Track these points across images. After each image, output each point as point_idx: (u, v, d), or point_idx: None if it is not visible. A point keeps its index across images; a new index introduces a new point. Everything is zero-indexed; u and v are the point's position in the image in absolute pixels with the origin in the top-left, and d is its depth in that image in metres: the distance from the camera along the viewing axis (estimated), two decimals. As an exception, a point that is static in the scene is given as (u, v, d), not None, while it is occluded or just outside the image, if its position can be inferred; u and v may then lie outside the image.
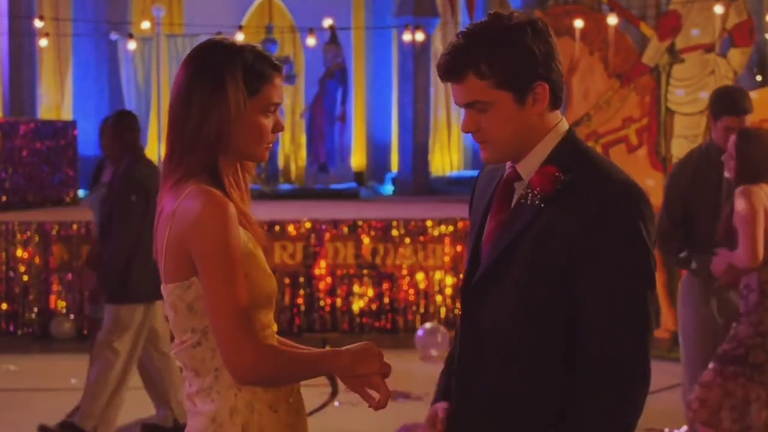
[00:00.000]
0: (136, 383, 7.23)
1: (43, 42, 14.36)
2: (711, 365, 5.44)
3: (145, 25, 14.50)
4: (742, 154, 5.42)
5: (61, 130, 13.29)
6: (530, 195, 2.59)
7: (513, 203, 2.65)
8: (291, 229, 10.32)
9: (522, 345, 2.60)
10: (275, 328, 2.78)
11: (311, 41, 14.48)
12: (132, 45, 14.30)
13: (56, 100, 16.13)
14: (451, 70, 2.60)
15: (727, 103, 5.91)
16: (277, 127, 2.71)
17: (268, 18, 16.95)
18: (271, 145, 2.71)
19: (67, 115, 15.96)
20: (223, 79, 2.61)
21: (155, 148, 15.97)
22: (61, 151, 13.06)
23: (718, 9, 9.28)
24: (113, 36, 15.28)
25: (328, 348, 3.75)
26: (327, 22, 14.49)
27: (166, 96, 15.79)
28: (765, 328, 5.38)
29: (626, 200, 2.55)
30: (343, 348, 2.69)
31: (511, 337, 2.60)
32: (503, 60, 2.57)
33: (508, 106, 2.58)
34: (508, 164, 2.68)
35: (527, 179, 2.62)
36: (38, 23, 13.78)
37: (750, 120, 9.00)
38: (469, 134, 2.62)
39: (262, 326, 2.67)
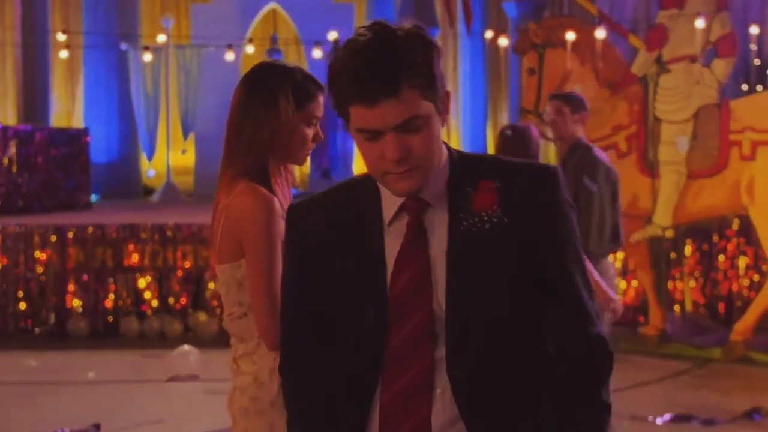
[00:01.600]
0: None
1: (63, 53, 14.76)
2: None
3: (161, 38, 14.83)
4: None
5: (75, 137, 13.66)
6: (484, 217, 2.27)
7: (446, 240, 2.28)
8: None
9: (520, 383, 2.34)
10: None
11: (317, 53, 14.75)
12: (146, 57, 14.64)
13: (68, 107, 16.48)
14: (385, 83, 2.18)
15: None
16: (317, 138, 3.21)
17: (273, 29, 17.19)
18: (309, 152, 3.21)
19: (78, 122, 16.28)
20: (276, 95, 3.11)
21: (164, 155, 16.32)
22: (74, 158, 13.43)
23: (700, 23, 9.67)
24: (123, 46, 15.55)
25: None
26: (332, 35, 14.81)
27: (175, 104, 16.16)
28: None
29: (553, 169, 2.34)
30: None
31: (507, 383, 2.32)
32: (424, 64, 2.23)
33: (435, 120, 2.26)
34: (395, 198, 2.29)
35: (438, 205, 2.29)
36: (61, 36, 14.16)
37: (737, 126, 9.48)
38: (407, 159, 2.19)
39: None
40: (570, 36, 10.07)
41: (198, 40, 15.70)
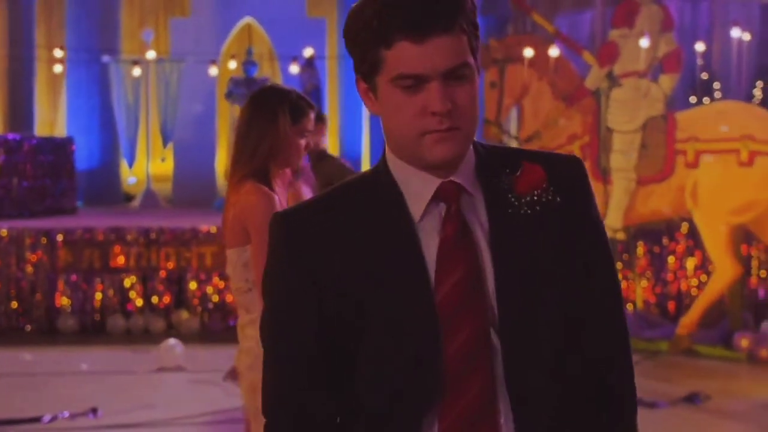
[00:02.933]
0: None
1: (57, 67, 15.40)
2: None
3: (150, 54, 15.43)
4: None
5: (60, 146, 14.31)
6: (534, 197, 2.01)
7: (487, 231, 2.00)
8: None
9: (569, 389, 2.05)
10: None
11: (294, 69, 15.44)
12: (135, 71, 15.27)
13: (51, 117, 17.09)
14: (442, 14, 1.90)
15: None
16: (308, 147, 3.95)
17: (248, 42, 17.73)
18: (302, 158, 3.96)
19: (60, 131, 16.89)
20: (275, 113, 3.85)
21: (143, 163, 16.94)
22: (60, 165, 14.09)
23: (644, 42, 10.41)
24: (105, 59, 16.16)
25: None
26: (307, 51, 15.49)
27: (154, 114, 16.78)
28: None
29: (579, 158, 2.14)
30: None
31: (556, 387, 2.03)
32: (472, 11, 1.99)
33: (475, 81, 1.99)
34: (426, 180, 1.99)
35: (475, 190, 2.01)
36: (58, 52, 14.72)
37: (682, 136, 10.22)
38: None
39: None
40: (528, 52, 10.79)
41: (177, 53, 16.27)
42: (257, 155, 3.85)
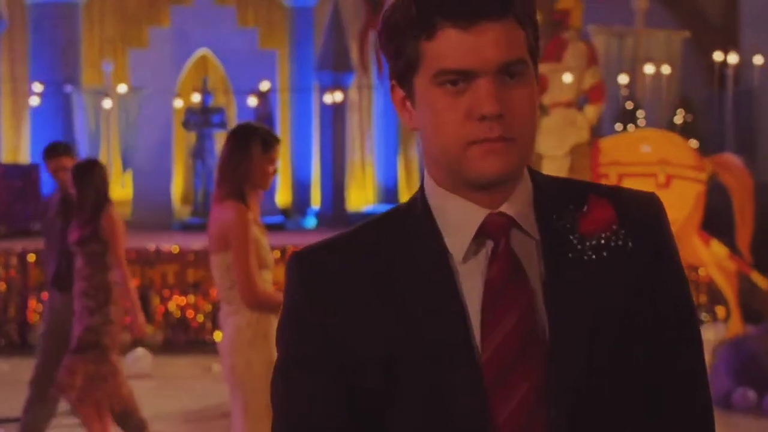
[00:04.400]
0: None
1: (34, 100, 16.21)
2: None
3: (122, 88, 16.25)
4: None
5: (27, 172, 15.20)
6: (600, 241, 1.68)
7: (540, 275, 1.67)
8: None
9: None
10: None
11: (252, 101, 16.33)
12: (95, 100, 16.11)
13: (15, 144, 17.85)
14: (495, 1, 1.61)
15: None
16: (275, 172, 4.87)
17: (203, 72, 18.57)
18: (271, 181, 4.88)
19: (24, 157, 17.66)
20: (249, 144, 4.77)
21: (105, 187, 17.73)
22: (28, 190, 14.93)
23: (567, 78, 11.43)
24: (67, 88, 16.94)
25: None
26: (263, 85, 16.41)
27: (115, 140, 17.60)
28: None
29: (657, 196, 1.79)
30: None
31: None
32: (533, 10, 1.69)
33: (535, 81, 1.67)
34: (478, 213, 1.67)
35: (529, 226, 1.69)
36: (7, 81, 15.43)
37: (605, 160, 11.22)
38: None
39: (264, 279, 4.82)
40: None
41: (136, 83, 17.03)
42: (235, 179, 4.77)
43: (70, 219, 6.98)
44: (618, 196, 1.74)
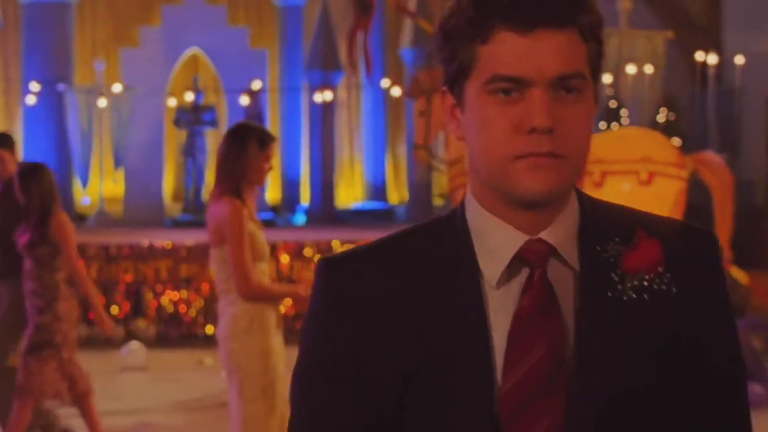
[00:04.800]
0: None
1: (30, 99, 16.43)
2: None
3: (117, 87, 16.47)
4: None
5: (21, 170, 15.43)
6: (643, 283, 1.57)
7: (573, 311, 1.58)
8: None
9: None
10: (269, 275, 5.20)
11: (244, 100, 16.56)
12: (87, 99, 16.34)
13: (8, 142, 18.03)
14: (557, 8, 1.53)
15: None
16: (270, 169, 5.12)
17: (194, 71, 18.79)
18: (266, 178, 5.12)
19: (17, 153, 17.85)
20: (246, 142, 5.02)
21: (97, 184, 17.93)
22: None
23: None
24: (60, 87, 17.15)
25: (291, 286, 6.20)
26: (255, 84, 16.65)
27: (107, 138, 17.81)
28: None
29: (714, 234, 1.68)
30: (299, 287, 5.12)
31: None
32: (599, 25, 1.59)
33: (592, 100, 1.58)
34: (513, 237, 1.58)
35: (570, 256, 1.59)
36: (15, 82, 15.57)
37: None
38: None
39: (260, 270, 5.07)
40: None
41: (127, 82, 17.21)
42: (232, 176, 5.02)
43: (7, 211, 7.10)
44: (671, 232, 1.63)
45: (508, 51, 1.53)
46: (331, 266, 1.65)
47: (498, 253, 1.58)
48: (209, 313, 12.36)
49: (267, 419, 4.98)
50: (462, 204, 1.65)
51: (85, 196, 18.30)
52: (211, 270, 5.28)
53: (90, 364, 10.99)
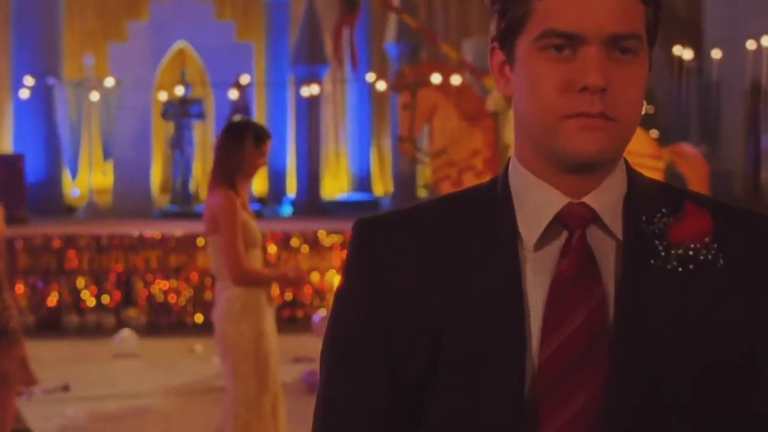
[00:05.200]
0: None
1: (24, 93, 16.68)
2: None
3: (109, 81, 16.75)
4: None
5: (12, 161, 15.70)
6: (688, 252, 1.51)
7: (614, 277, 1.52)
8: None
9: None
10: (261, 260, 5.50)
11: (233, 94, 16.84)
12: (93, 96, 16.64)
13: (-2, 133, 18.32)
14: None
15: None
16: (263, 164, 5.42)
17: (181, 64, 19.02)
18: (258, 172, 5.42)
19: (7, 146, 18.13)
20: (242, 138, 5.32)
21: (86, 176, 18.19)
22: (12, 179, 15.42)
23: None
24: (50, 81, 17.40)
25: (279, 270, 6.50)
26: (243, 78, 16.93)
27: (96, 131, 18.06)
28: None
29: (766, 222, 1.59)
30: (287, 269, 5.43)
31: None
32: None
33: (645, 67, 1.52)
34: (548, 200, 1.53)
35: (613, 223, 1.53)
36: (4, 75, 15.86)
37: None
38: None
39: (254, 256, 5.37)
40: (436, 78, 12.34)
41: (116, 76, 17.50)
42: (227, 169, 5.32)
43: None
44: (725, 210, 1.56)
45: (563, 5, 1.47)
46: (366, 229, 1.61)
47: (537, 215, 1.53)
48: (198, 302, 12.67)
49: (260, 396, 5.28)
50: (505, 169, 1.60)
51: (74, 188, 18.54)
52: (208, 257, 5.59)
53: (83, 351, 11.33)
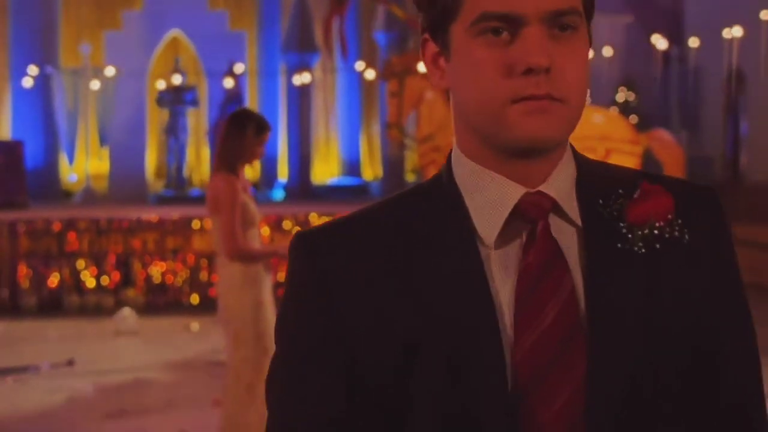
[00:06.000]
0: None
1: (27, 81, 17.12)
2: None
3: (110, 71, 17.13)
4: None
5: (12, 148, 16.21)
6: (653, 231, 1.46)
7: (580, 267, 1.46)
8: (207, 223, 13.20)
9: None
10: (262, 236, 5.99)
11: (228, 83, 17.28)
12: (93, 84, 17.06)
13: (-3, 120, 18.75)
14: None
15: None
16: (263, 152, 5.91)
17: (175, 53, 19.42)
18: (259, 159, 5.91)
19: (5, 133, 18.56)
20: (244, 126, 5.80)
21: (83, 162, 18.64)
22: (12, 165, 15.90)
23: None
24: (48, 69, 17.81)
25: (272, 246, 7.01)
26: (237, 67, 17.39)
27: (92, 118, 18.51)
28: None
29: (714, 189, 1.57)
30: (279, 247, 5.93)
31: None
32: None
33: (587, 43, 1.47)
34: (517, 192, 1.46)
35: (571, 210, 1.48)
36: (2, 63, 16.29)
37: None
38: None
39: (252, 235, 5.87)
40: (422, 67, 12.73)
41: (111, 63, 17.87)
42: (229, 155, 5.82)
43: None
44: (671, 184, 1.52)
45: None
46: (308, 242, 1.50)
47: (494, 209, 1.45)
48: (194, 283, 13.17)
49: (260, 359, 5.78)
50: (447, 163, 1.51)
51: (71, 174, 19.00)
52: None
53: (85, 330, 11.83)
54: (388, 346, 1.44)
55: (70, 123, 18.05)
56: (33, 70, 17.26)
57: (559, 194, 1.47)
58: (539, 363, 1.41)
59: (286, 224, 13.49)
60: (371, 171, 20.48)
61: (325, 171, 20.28)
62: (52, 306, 13.08)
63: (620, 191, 1.49)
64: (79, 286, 13.21)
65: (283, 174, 19.38)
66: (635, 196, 1.48)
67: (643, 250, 1.45)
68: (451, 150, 1.53)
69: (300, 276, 1.50)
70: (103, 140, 18.28)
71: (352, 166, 20.41)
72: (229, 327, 5.89)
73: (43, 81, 17.64)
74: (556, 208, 1.47)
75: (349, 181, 19.92)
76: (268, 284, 5.92)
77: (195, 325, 11.77)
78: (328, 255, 1.48)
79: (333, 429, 1.46)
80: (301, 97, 18.51)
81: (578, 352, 1.42)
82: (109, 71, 17.61)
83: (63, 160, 18.58)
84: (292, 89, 18.57)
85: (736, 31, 14.36)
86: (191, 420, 7.81)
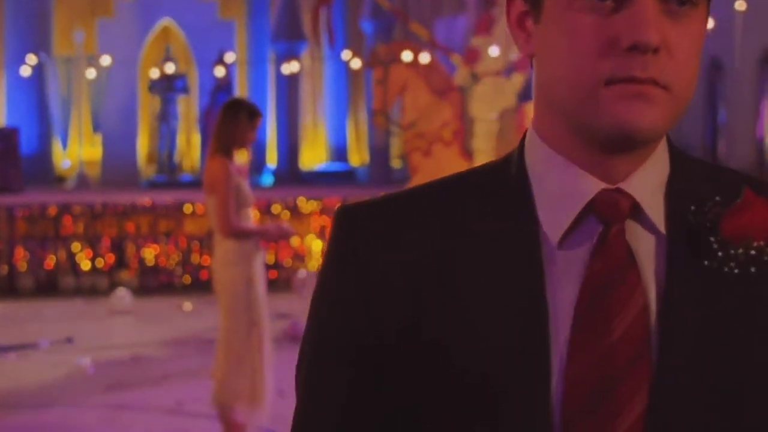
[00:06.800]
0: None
1: (26, 70, 17.50)
2: None
3: (104, 60, 17.53)
4: None
5: (8, 135, 16.63)
6: (750, 251, 1.22)
7: (655, 281, 1.23)
8: (199, 207, 13.60)
9: None
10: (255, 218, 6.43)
11: (219, 71, 17.68)
12: (89, 72, 17.43)
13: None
14: None
15: None
16: (254, 137, 6.35)
17: (166, 41, 19.82)
18: (252, 143, 6.35)
19: (0, 120, 18.94)
20: (237, 113, 6.25)
21: (76, 148, 19.05)
22: (8, 151, 16.32)
23: (494, 50, 12.89)
24: (42, 57, 18.19)
25: (263, 226, 7.46)
26: (228, 56, 17.79)
27: (86, 105, 18.91)
28: None
29: None
30: (274, 224, 6.38)
31: None
32: None
33: (705, 23, 1.24)
34: (585, 189, 1.23)
35: (655, 215, 1.25)
36: None
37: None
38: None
39: (246, 214, 6.31)
40: (407, 55, 13.23)
41: (104, 51, 18.25)
42: (224, 140, 6.26)
43: None
44: None
45: None
46: (350, 217, 1.32)
47: (564, 203, 1.24)
48: (186, 264, 13.61)
49: (249, 329, 6.23)
50: (520, 145, 1.31)
51: (65, 159, 19.39)
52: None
53: (81, 310, 12.27)
54: (415, 351, 1.25)
55: (64, 110, 18.42)
56: (32, 59, 17.65)
57: (642, 195, 1.24)
58: (593, 389, 1.19)
59: (275, 208, 13.90)
60: (358, 157, 20.90)
61: (313, 157, 20.60)
62: (48, 287, 13.49)
63: (717, 198, 1.24)
64: (74, 268, 13.62)
65: (272, 160, 19.76)
66: (735, 205, 1.23)
67: (736, 271, 1.22)
68: (526, 131, 1.31)
69: (336, 259, 1.32)
70: (96, 127, 18.68)
71: (340, 152, 20.83)
72: (222, 299, 6.32)
73: (37, 68, 18.00)
74: (637, 211, 1.24)
75: (336, 166, 20.34)
76: (259, 261, 6.35)
77: (188, 304, 12.21)
78: (368, 236, 1.29)
79: (354, 419, 1.30)
80: (289, 85, 18.96)
81: (641, 384, 1.20)
82: (104, 60, 17.97)
83: (57, 146, 18.97)
84: (280, 77, 18.99)
85: (711, 21, 14.78)
86: (187, 391, 8.25)
